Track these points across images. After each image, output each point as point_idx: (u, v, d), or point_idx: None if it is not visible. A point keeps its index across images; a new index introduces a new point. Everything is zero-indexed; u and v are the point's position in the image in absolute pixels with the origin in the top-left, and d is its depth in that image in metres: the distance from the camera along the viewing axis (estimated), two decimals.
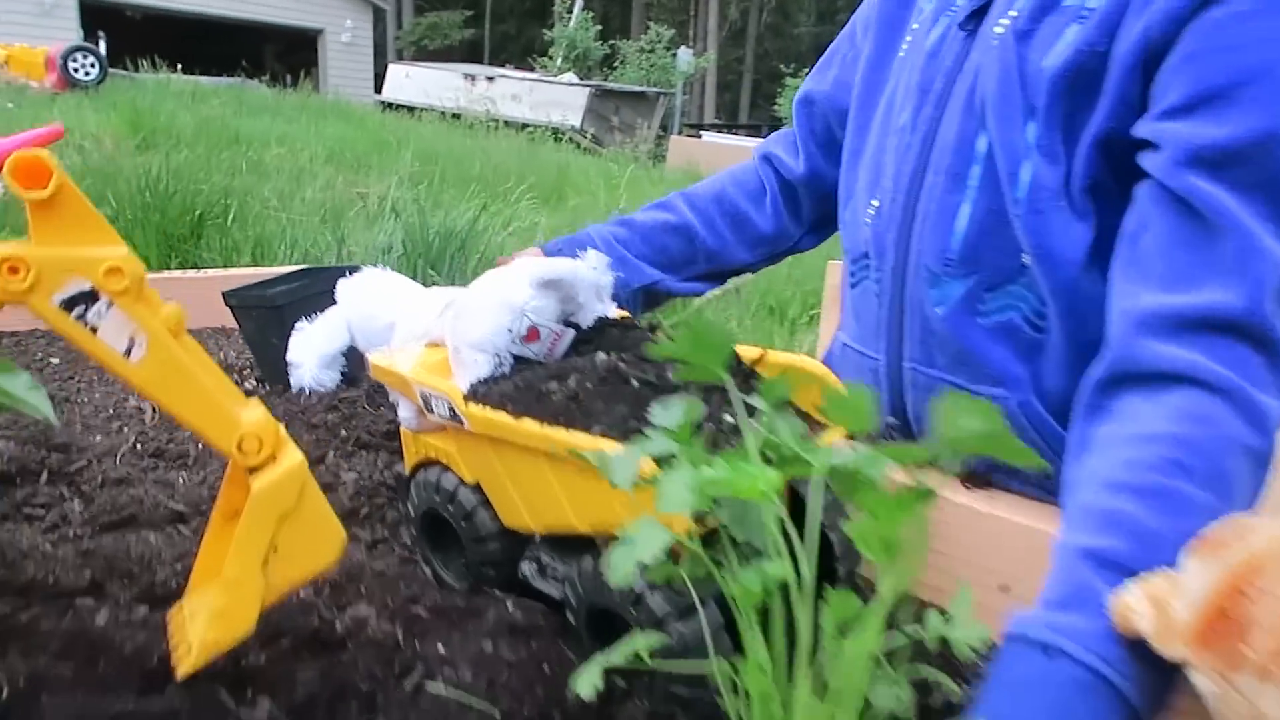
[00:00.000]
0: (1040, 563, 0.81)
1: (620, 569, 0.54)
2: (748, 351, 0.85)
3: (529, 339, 0.86)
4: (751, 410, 0.74)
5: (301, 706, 0.67)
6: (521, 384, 0.79)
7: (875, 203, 0.99)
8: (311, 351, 1.03)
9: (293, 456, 0.65)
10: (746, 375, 0.83)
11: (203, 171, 3.80)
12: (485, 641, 0.75)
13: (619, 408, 0.74)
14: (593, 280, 0.88)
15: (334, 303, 1.11)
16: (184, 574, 0.85)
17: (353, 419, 1.29)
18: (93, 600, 0.80)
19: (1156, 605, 0.55)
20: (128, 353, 0.60)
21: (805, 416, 0.80)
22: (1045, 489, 0.87)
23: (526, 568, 0.85)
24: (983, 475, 0.89)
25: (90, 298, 0.58)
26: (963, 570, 0.80)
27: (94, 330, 0.59)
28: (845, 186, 1.10)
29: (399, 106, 15.11)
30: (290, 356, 1.03)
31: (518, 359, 0.86)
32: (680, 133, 17.35)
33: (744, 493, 0.55)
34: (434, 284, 1.77)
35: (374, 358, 0.91)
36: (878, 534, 0.56)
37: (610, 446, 0.69)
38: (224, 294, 1.31)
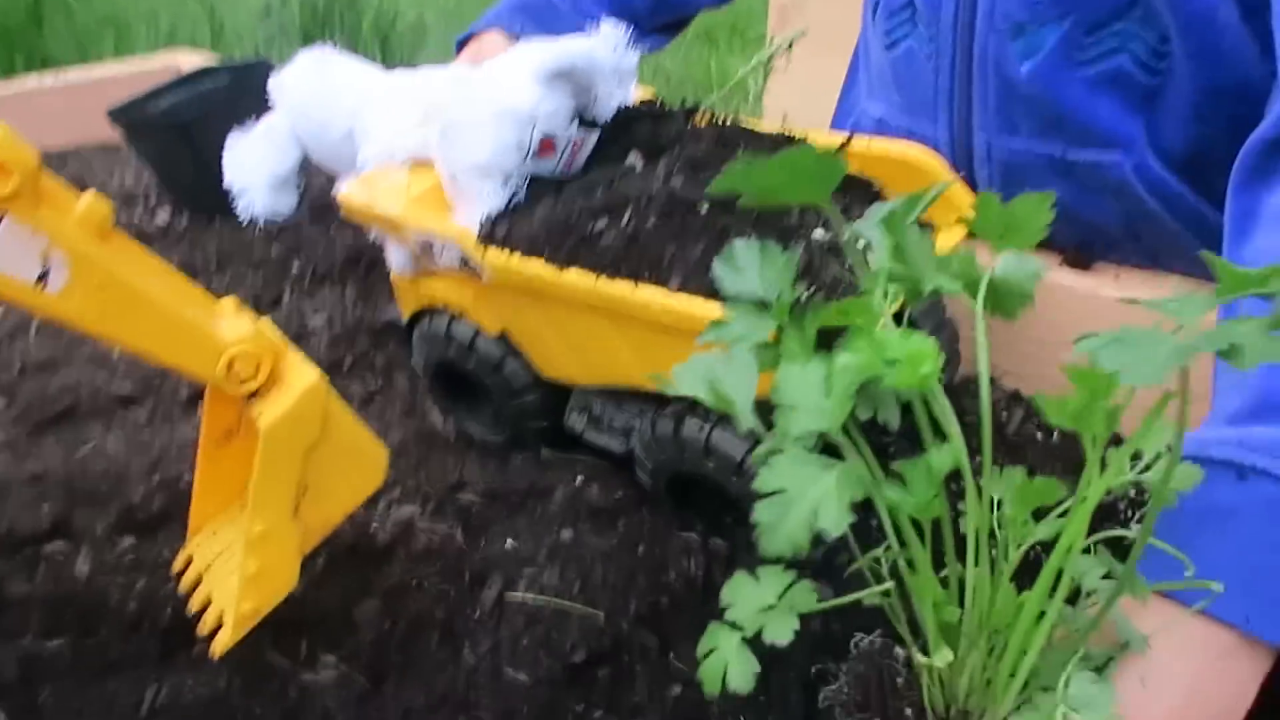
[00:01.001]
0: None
1: (780, 538, 0.38)
2: (828, 140, 0.68)
3: (543, 153, 0.68)
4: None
5: (372, 656, 0.56)
6: (555, 222, 0.62)
7: None
8: (259, 173, 0.81)
9: (304, 374, 0.49)
10: None
11: None
12: (563, 530, 0.63)
13: (693, 247, 0.58)
14: (614, 65, 0.69)
15: (250, 110, 0.89)
16: (163, 486, 0.70)
17: (301, 248, 1.10)
18: (63, 542, 0.65)
19: None
20: (42, 280, 0.42)
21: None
22: (1155, 258, 0.76)
23: (576, 419, 0.72)
24: (1084, 252, 0.77)
25: None
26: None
27: None
28: None
29: None
30: (232, 181, 0.82)
31: (530, 178, 0.68)
32: None
33: (903, 382, 0.40)
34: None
35: (345, 193, 0.72)
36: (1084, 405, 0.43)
37: (700, 305, 0.54)
38: (110, 113, 1.06)
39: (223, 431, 0.56)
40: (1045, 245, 0.82)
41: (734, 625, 0.42)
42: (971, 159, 0.80)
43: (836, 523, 0.37)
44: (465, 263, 0.66)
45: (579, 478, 0.68)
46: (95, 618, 0.58)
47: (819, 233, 0.62)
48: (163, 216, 1.19)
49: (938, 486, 0.43)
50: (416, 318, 0.78)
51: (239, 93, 1.08)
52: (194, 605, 0.54)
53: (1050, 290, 0.74)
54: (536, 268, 0.61)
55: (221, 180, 0.85)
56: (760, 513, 0.38)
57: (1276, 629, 0.45)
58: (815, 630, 0.57)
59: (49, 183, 0.42)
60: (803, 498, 0.38)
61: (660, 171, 0.65)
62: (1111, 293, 0.73)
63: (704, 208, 0.60)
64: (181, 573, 0.57)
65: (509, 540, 0.63)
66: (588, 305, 0.60)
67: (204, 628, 0.52)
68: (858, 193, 0.67)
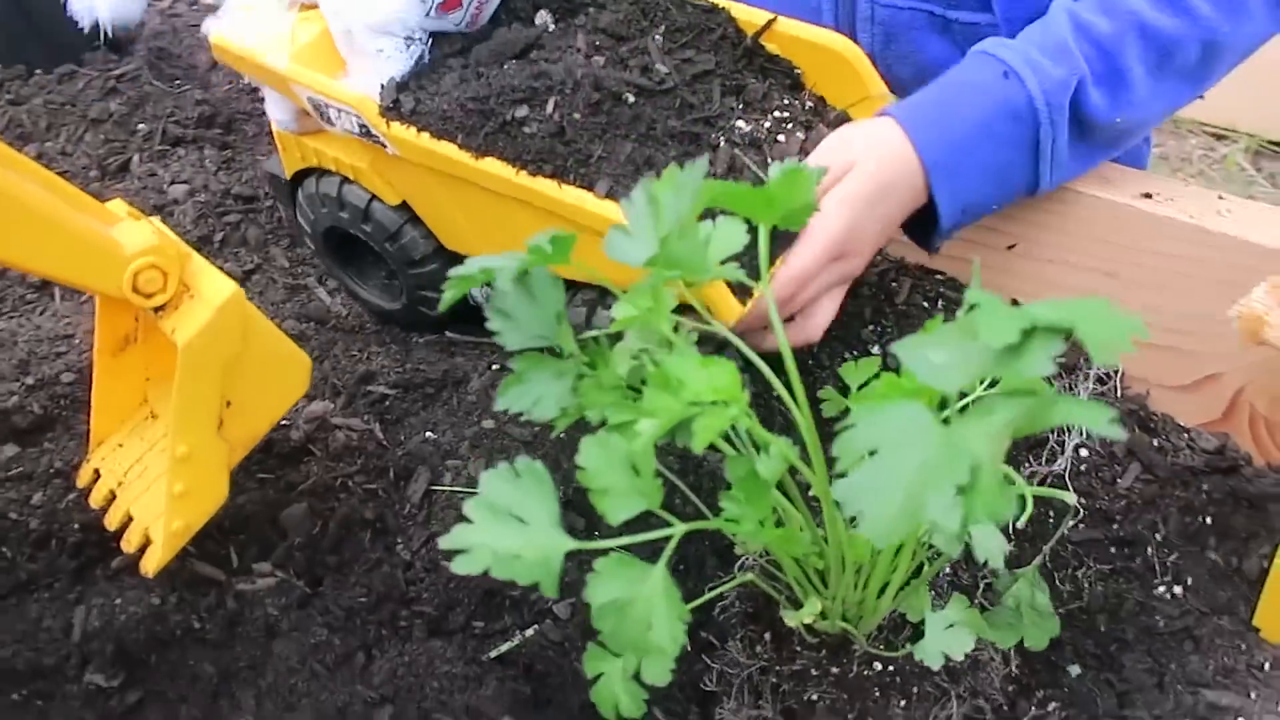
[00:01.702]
0: (1042, 219, 0.75)
1: (626, 646, 0.37)
2: (750, 16, 0.66)
3: (446, 7, 0.63)
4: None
5: (306, 558, 0.55)
6: (472, 103, 0.58)
7: None
8: None
9: (218, 284, 0.46)
10: (750, 53, 0.65)
11: None
12: (483, 420, 0.63)
13: (622, 145, 0.56)
14: None
15: None
16: (39, 388, 0.65)
17: (144, 104, 1.00)
18: None
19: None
20: None
21: (822, 104, 0.66)
22: None
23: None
24: None
25: None
26: (968, 232, 0.73)
27: None
28: None
29: None
30: None
31: (434, 34, 0.64)
32: None
33: (712, 430, 0.36)
34: None
35: (216, 35, 0.65)
36: None
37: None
38: None
39: (119, 339, 0.53)
40: None
41: (615, 653, 0.38)
42: (854, 21, 0.80)
43: (672, 637, 0.36)
44: (366, 131, 0.62)
45: (493, 365, 0.67)
46: None
47: (741, 124, 0.61)
48: None
49: (770, 500, 0.41)
50: (301, 176, 0.73)
51: None
52: (112, 522, 0.52)
53: None
54: (450, 150, 0.58)
55: (38, 21, 0.75)
56: (599, 622, 0.36)
57: (931, 152, 0.59)
58: None
59: None
60: (636, 602, 0.36)
61: (580, 45, 0.62)
62: None
63: (629, 98, 0.58)
64: (89, 488, 0.54)
65: (428, 432, 0.62)
66: (505, 194, 0.58)
67: (129, 545, 0.50)
68: (778, 77, 0.66)
